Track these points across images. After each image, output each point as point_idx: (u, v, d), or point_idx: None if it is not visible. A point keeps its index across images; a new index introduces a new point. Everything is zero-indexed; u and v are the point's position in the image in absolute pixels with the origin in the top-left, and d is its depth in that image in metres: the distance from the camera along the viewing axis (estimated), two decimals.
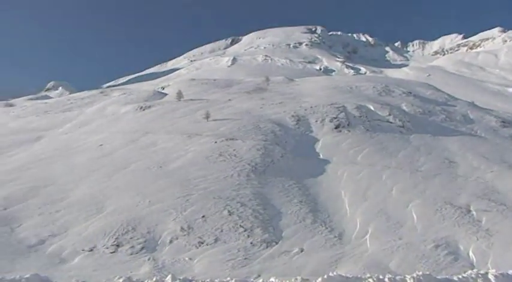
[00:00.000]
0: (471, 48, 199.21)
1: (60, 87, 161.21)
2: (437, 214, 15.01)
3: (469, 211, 15.23)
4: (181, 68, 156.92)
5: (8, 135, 34.08)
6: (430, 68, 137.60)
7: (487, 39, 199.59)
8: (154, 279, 8.99)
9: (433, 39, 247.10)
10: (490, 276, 9.06)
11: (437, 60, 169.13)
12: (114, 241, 13.10)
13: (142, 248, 12.78)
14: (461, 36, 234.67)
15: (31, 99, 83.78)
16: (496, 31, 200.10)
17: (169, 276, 9.00)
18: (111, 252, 12.61)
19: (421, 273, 9.15)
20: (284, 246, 12.88)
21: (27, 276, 8.75)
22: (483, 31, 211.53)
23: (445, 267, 11.58)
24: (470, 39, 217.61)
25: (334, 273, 9.08)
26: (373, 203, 16.14)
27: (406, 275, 9.09)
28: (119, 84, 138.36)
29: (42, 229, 14.10)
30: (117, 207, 15.38)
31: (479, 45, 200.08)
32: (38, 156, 25.19)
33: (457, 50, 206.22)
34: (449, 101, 39.14)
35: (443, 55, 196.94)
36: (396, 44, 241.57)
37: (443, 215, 14.95)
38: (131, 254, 12.51)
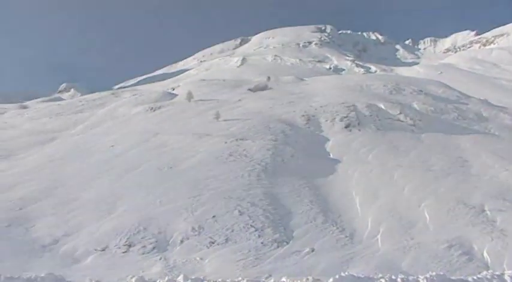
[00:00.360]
0: (484, 45, 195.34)
1: (72, 89, 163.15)
2: (450, 214, 14.81)
3: (483, 211, 14.97)
4: (191, 69, 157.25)
5: (22, 136, 34.70)
6: (442, 66, 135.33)
7: (501, 35, 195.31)
8: (166, 278, 9.05)
9: (445, 37, 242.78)
10: (506, 277, 8.87)
11: (449, 57, 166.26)
12: (126, 241, 13.24)
13: (153, 248, 12.90)
14: (473, 32, 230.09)
15: (44, 101, 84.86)
16: (510, 27, 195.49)
17: (181, 276, 9.05)
18: (123, 252, 12.75)
19: (434, 273, 9.01)
20: (295, 246, 12.85)
21: (43, 275, 8.90)
22: (497, 27, 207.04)
23: (459, 268, 11.42)
24: (483, 35, 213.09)
25: (346, 273, 9.02)
26: (384, 203, 16.00)
27: (419, 276, 8.97)
28: (129, 86, 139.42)
29: (55, 229, 14.34)
30: (129, 208, 15.55)
31: (492, 41, 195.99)
32: (51, 157, 25.61)
33: (469, 47, 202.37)
34: (462, 99, 38.50)
35: (455, 52, 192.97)
36: (407, 42, 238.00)
37: (456, 214, 14.74)
38: (143, 254, 12.64)
